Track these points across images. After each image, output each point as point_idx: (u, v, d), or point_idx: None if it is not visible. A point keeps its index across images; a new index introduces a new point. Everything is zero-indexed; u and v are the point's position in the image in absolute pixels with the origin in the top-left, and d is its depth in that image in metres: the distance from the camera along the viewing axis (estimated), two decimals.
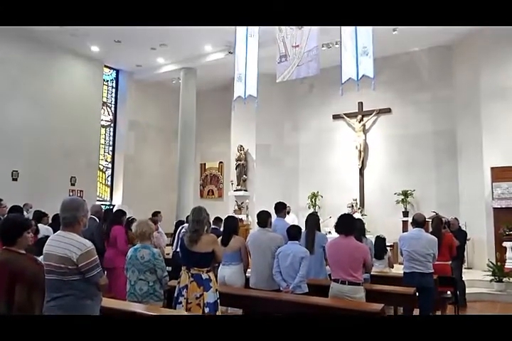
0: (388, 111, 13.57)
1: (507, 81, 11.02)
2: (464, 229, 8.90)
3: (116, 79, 16.22)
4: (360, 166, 13.72)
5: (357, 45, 8.72)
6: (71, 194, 13.24)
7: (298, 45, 9.56)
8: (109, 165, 15.88)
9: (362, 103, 13.81)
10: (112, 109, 16.11)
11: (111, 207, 14.95)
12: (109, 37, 12.67)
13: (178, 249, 5.84)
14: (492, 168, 11.03)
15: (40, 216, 7.79)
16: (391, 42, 11.94)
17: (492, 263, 9.52)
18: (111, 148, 15.97)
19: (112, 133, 16.02)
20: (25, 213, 8.87)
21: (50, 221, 7.76)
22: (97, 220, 7.09)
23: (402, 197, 12.64)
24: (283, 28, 9.92)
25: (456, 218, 8.72)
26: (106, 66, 15.37)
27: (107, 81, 15.91)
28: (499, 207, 10.81)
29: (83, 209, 3.24)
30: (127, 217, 7.29)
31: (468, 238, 8.79)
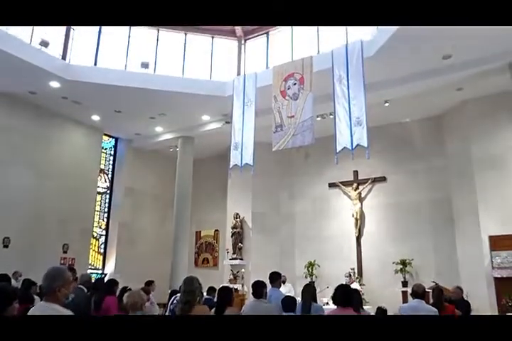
0: (383, 179, 13.71)
1: (497, 149, 11.27)
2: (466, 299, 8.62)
3: (115, 146, 16.48)
4: (357, 234, 13.60)
5: (350, 116, 9.01)
6: (62, 262, 12.93)
7: (293, 116, 9.86)
8: (103, 233, 15.68)
9: (357, 171, 13.98)
10: (109, 176, 16.21)
11: (102, 275, 14.56)
12: (110, 107, 13.07)
13: None
14: (490, 237, 10.94)
15: (29, 285, 7.55)
16: (383, 113, 12.33)
17: None
18: (106, 215, 15.86)
19: (107, 200, 15.99)
20: (13, 282, 8.61)
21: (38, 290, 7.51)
22: (86, 290, 6.85)
23: (401, 266, 12.39)
24: (278, 98, 10.28)
25: (458, 287, 8.46)
26: (105, 134, 15.69)
27: (106, 148, 16.16)
28: (500, 276, 10.59)
29: (62, 278, 3.14)
30: (123, 286, 7.07)
31: (472, 308, 8.49)
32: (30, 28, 11.49)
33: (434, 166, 13.00)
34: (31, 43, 11.22)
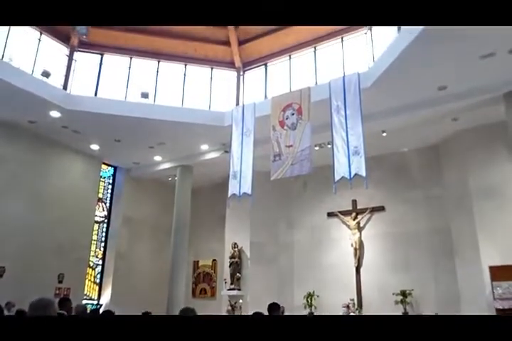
0: (382, 208, 13.68)
1: (494, 179, 11.31)
2: None
3: (114, 175, 16.48)
4: (356, 264, 13.46)
5: (348, 146, 9.09)
6: (57, 292, 12.72)
7: (291, 145, 9.94)
8: (100, 262, 15.49)
9: (356, 201, 13.97)
10: (107, 204, 16.15)
11: (98, 306, 14.31)
12: (110, 136, 13.14)
13: None
14: (490, 267, 10.83)
15: (21, 316, 7.41)
16: (381, 143, 12.43)
17: None
18: (103, 245, 15.71)
19: (105, 229, 15.87)
20: (5, 312, 8.45)
21: None
22: None
23: (401, 297, 12.21)
24: (277, 128, 10.38)
25: None
26: (104, 163, 15.72)
27: (104, 177, 16.17)
28: (501, 307, 10.43)
29: (52, 307, 3.11)
30: None
31: None
32: (32, 59, 11.72)
33: (432, 195, 13.00)
34: (33, 74, 11.40)
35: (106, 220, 15.97)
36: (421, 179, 13.34)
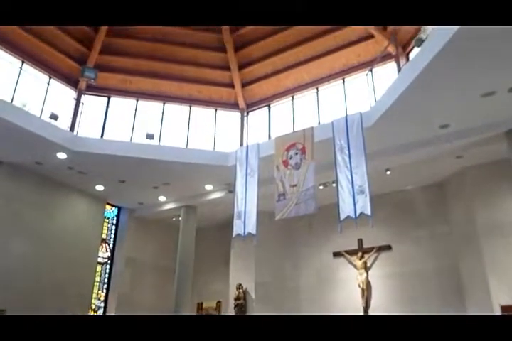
0: (388, 248, 13.50)
1: (502, 216, 11.19)
2: None
3: (118, 216, 16.44)
4: (364, 305, 13.16)
5: (353, 184, 9.10)
6: None
7: (295, 185, 9.95)
8: (102, 305, 15.19)
9: (361, 240, 13.82)
10: (111, 245, 16.02)
11: None
12: (115, 177, 13.21)
13: None
14: (502, 307, 10.55)
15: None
16: (385, 181, 12.44)
17: None
18: (105, 286, 15.46)
19: (107, 271, 15.66)
20: None
21: None
22: None
23: None
24: (280, 168, 10.44)
25: None
26: (108, 203, 15.71)
27: (108, 218, 16.12)
28: None
29: None
30: None
31: None
32: (41, 102, 12.01)
33: (439, 234, 12.85)
34: (41, 116, 11.63)
35: (109, 261, 15.80)
36: (427, 217, 13.23)
